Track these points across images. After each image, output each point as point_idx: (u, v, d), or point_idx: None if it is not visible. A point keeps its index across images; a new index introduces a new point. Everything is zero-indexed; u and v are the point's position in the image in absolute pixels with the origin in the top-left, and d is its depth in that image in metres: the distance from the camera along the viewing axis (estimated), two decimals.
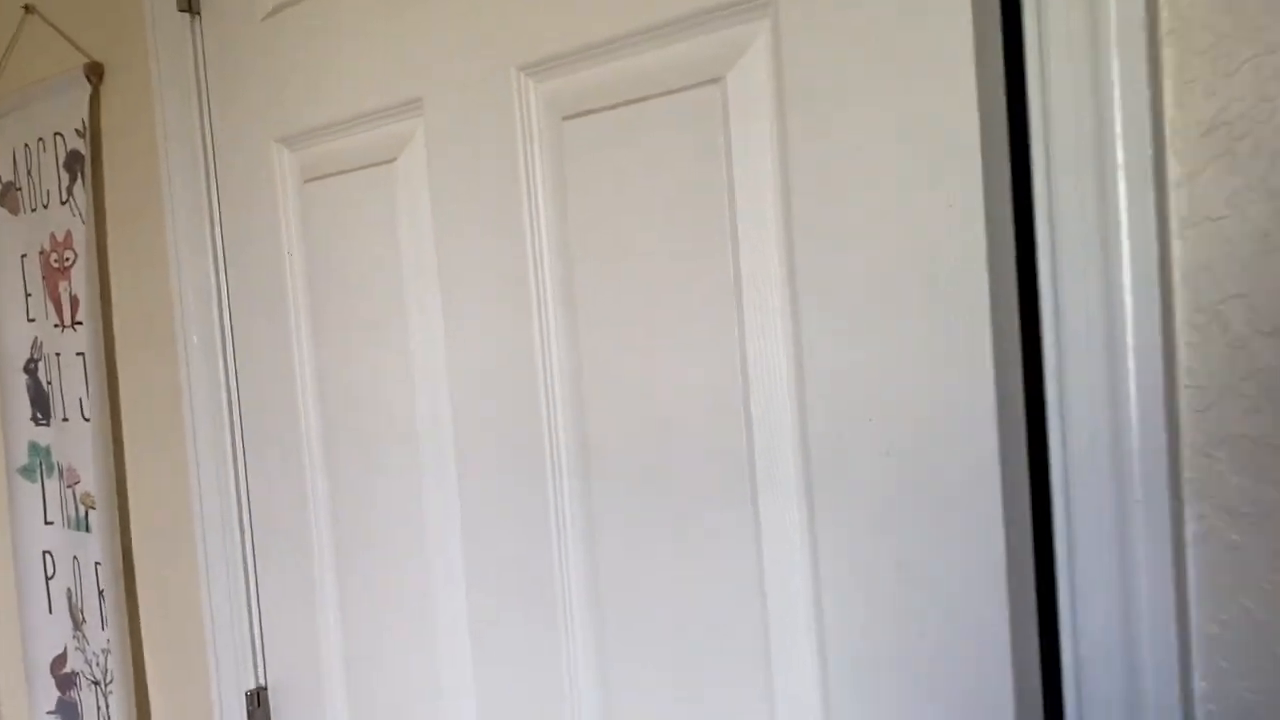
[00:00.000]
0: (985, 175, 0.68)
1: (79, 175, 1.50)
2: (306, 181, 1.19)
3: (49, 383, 1.60)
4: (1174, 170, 0.65)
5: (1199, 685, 0.66)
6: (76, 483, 1.56)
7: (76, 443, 1.55)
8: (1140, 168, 0.65)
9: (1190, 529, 0.66)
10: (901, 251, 0.72)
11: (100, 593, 1.53)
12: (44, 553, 1.65)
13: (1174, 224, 0.65)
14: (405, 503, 1.12)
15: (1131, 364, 0.66)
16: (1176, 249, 0.65)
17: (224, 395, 1.32)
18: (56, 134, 1.54)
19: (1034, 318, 0.71)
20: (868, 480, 0.75)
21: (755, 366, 0.81)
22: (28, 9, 1.60)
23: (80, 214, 1.50)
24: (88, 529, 1.54)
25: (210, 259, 1.31)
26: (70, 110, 1.51)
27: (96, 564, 1.53)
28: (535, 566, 0.98)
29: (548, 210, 0.94)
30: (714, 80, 0.80)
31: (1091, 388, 0.67)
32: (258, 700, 1.36)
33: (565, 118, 0.91)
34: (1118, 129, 0.65)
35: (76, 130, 1.50)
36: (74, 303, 1.53)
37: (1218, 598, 0.65)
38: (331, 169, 1.15)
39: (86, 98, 1.48)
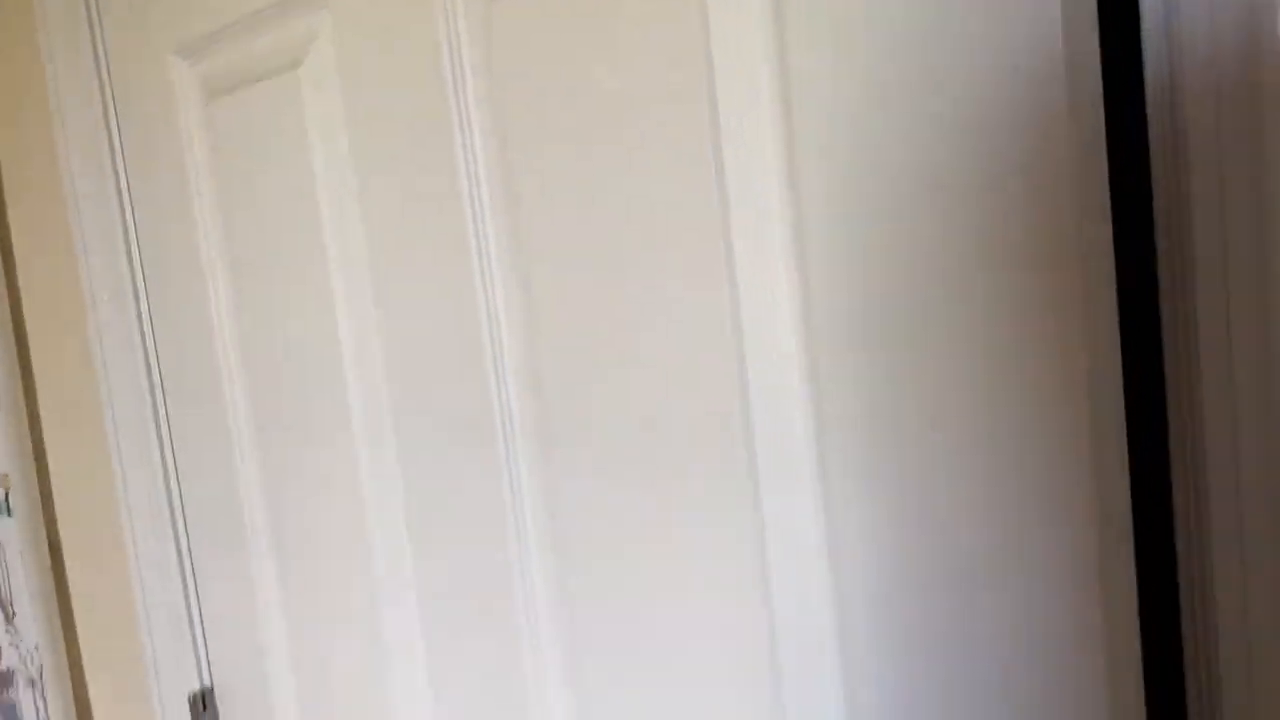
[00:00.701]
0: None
1: None
2: (210, 99, 0.98)
3: None
4: None
5: None
6: None
7: None
8: None
9: None
10: (951, 147, 0.51)
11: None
12: None
13: None
14: (343, 485, 0.93)
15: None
16: None
17: (142, 359, 1.13)
18: None
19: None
20: (905, 465, 0.55)
21: (751, 309, 0.61)
22: None
23: None
24: (8, 513, 1.37)
25: (115, 203, 1.11)
26: None
27: (21, 552, 1.36)
28: (490, 567, 0.79)
29: (480, 116, 0.73)
30: None
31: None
32: (203, 703, 1.19)
33: None
34: None
35: None
36: None
37: None
38: (235, 81, 0.94)
39: None
